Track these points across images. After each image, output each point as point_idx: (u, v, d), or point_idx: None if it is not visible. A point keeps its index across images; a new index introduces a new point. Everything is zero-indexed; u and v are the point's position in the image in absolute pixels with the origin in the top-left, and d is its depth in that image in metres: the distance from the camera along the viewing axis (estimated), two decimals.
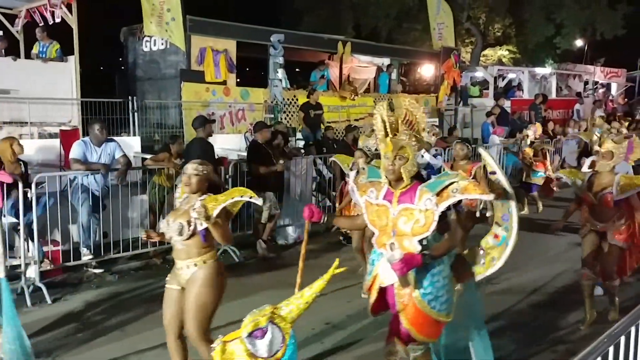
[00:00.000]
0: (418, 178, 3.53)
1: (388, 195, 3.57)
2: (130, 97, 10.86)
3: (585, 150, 13.39)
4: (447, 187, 3.37)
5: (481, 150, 4.30)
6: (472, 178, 6.09)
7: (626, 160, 6.48)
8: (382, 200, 3.58)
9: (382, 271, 3.56)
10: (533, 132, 11.39)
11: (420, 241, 3.41)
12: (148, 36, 12.08)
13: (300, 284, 3.58)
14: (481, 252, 3.84)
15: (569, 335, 5.49)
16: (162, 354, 4.62)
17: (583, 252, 5.73)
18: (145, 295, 6.46)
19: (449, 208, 3.43)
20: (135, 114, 10.73)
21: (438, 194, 3.37)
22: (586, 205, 5.68)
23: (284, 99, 12.58)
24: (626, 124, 19.56)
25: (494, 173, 3.91)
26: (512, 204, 3.76)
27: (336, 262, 3.41)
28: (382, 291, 3.63)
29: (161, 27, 10.86)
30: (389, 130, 3.42)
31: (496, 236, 3.84)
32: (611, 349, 2.59)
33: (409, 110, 3.45)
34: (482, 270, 3.80)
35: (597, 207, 5.56)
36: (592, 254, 5.65)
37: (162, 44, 11.95)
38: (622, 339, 2.69)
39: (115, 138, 8.25)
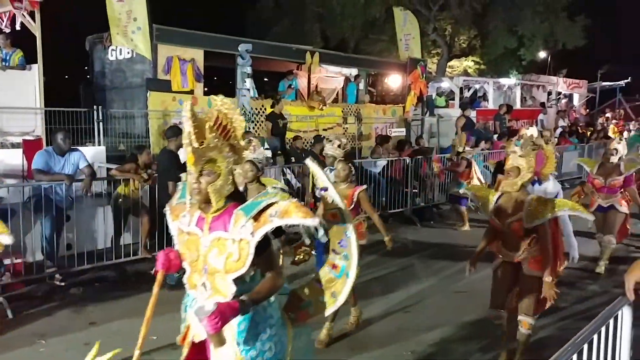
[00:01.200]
0: (237, 199, 2.78)
1: (199, 221, 2.81)
2: (95, 107, 10.72)
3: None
4: (265, 209, 2.66)
5: (308, 162, 3.59)
6: (355, 204, 5.56)
7: (538, 176, 5.84)
8: (193, 228, 2.83)
9: (195, 322, 2.79)
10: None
11: (237, 280, 2.70)
12: (114, 45, 11.94)
13: (144, 336, 2.86)
14: (318, 286, 3.19)
15: (535, 342, 5.55)
16: None
17: (492, 289, 5.00)
18: (111, 307, 6.36)
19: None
20: (101, 123, 10.57)
21: (255, 219, 2.65)
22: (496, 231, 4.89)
23: (252, 109, 12.54)
24: (588, 134, 20.07)
25: (325, 189, 3.45)
26: (350, 227, 3.18)
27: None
28: (199, 346, 2.91)
29: (127, 37, 10.75)
30: (192, 137, 2.65)
31: (334, 266, 3.21)
32: (574, 357, 2.64)
33: (222, 113, 2.75)
34: (320, 310, 3.16)
35: (508, 234, 4.77)
36: (504, 288, 4.91)
37: (128, 52, 11.83)
38: (585, 347, 2.74)
39: (79, 148, 8.15)
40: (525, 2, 24.16)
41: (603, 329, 2.94)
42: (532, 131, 9.26)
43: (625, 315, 3.07)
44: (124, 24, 10.69)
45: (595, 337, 2.87)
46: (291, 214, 2.63)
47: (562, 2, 24.87)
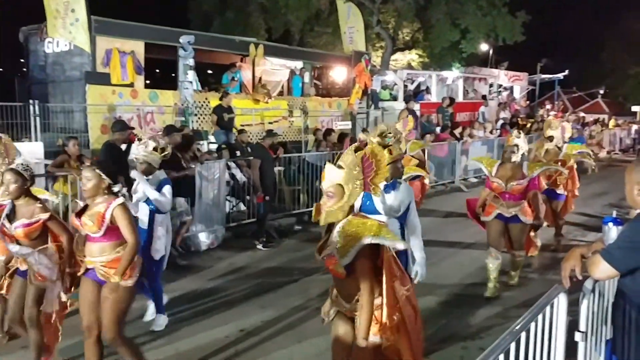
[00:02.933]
0: None
1: None
2: (31, 101, 10.36)
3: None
4: None
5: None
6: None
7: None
8: None
9: None
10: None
11: None
12: (50, 37, 11.56)
13: None
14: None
15: (479, 331, 5.66)
16: None
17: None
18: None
19: None
20: (37, 118, 10.23)
21: None
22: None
23: (195, 102, 12.36)
24: (529, 125, 20.59)
25: None
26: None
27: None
28: None
29: (65, 29, 10.43)
30: None
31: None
32: (513, 345, 2.68)
33: None
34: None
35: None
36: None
37: (66, 45, 11.48)
38: (523, 334, 2.79)
39: (15, 144, 7.85)
40: None
41: (540, 317, 3.01)
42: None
43: (561, 302, 3.15)
44: (62, 15, 10.37)
45: (532, 324, 2.93)
46: None
47: None
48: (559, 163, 8.39)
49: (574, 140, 12.84)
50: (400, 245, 3.34)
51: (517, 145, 6.74)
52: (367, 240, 3.26)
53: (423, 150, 10.59)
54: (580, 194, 14.04)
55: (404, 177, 5.73)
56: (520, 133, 7.22)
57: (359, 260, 3.30)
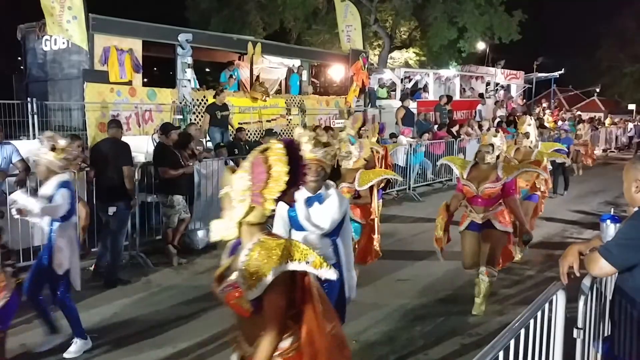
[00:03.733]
0: None
1: None
2: (29, 99, 10.35)
3: None
4: None
5: None
6: None
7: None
8: None
9: None
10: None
11: None
12: (48, 35, 11.54)
13: None
14: None
15: (476, 329, 5.69)
16: None
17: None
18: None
19: None
20: (35, 116, 10.22)
21: None
22: None
23: (193, 100, 12.36)
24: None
25: None
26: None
27: None
28: None
29: (62, 27, 10.41)
30: None
31: None
32: (512, 342, 2.71)
33: None
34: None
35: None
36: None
37: (64, 43, 11.44)
38: (522, 331, 2.81)
39: (13, 142, 7.86)
40: None
41: (539, 314, 3.04)
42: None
43: (560, 299, 3.18)
44: (58, 12, 10.33)
45: (531, 321, 2.96)
46: None
47: None
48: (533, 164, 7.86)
49: (562, 142, 12.77)
50: (330, 274, 2.59)
51: (492, 145, 6.08)
52: (284, 267, 2.52)
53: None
54: (577, 191, 14.25)
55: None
56: (498, 132, 6.91)
57: (270, 293, 2.52)
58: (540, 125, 21.04)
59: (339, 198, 3.87)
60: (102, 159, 7.38)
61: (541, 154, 8.27)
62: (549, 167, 9.19)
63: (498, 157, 6.12)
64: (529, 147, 8.13)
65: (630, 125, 29.59)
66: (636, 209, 3.01)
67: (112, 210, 7.05)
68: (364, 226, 6.21)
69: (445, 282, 7.05)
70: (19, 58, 13.73)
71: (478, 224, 6.05)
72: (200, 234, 8.76)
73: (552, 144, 9.88)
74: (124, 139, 7.83)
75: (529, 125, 8.20)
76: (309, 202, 3.82)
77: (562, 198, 13.18)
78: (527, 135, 8.07)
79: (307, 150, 3.71)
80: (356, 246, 5.88)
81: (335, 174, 5.47)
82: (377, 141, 10.00)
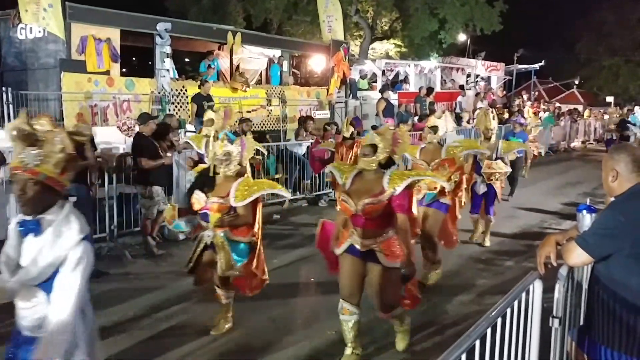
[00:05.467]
0: None
1: None
2: (4, 88, 10.17)
3: None
4: None
5: None
6: None
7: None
8: None
9: None
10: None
11: None
12: (24, 23, 11.35)
13: None
14: None
15: (455, 318, 5.72)
16: None
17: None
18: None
19: None
20: (11, 106, 10.06)
21: None
22: None
23: (172, 90, 12.24)
24: (505, 115, 20.76)
25: None
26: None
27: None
28: None
29: (38, 15, 10.23)
30: None
31: None
32: (489, 331, 2.72)
33: None
34: None
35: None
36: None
37: (40, 31, 11.25)
38: (499, 320, 2.82)
39: None
40: None
41: (516, 303, 3.05)
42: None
43: (537, 288, 3.19)
44: (35, 0, 10.16)
45: (508, 310, 2.97)
46: None
47: None
48: (445, 164, 6.65)
49: (516, 137, 11.20)
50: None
51: (374, 146, 4.50)
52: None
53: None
54: (555, 183, 14.37)
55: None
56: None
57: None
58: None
59: (58, 230, 2.68)
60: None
61: (453, 151, 6.77)
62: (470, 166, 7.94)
63: (389, 162, 4.59)
64: (439, 142, 7.05)
65: (607, 117, 29.85)
66: (612, 199, 3.04)
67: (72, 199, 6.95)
68: (251, 245, 5.15)
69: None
70: None
71: (359, 251, 4.54)
72: (180, 224, 8.68)
73: (515, 144, 9.25)
74: (103, 129, 7.76)
75: (439, 118, 7.15)
76: (23, 229, 2.76)
77: (539, 190, 13.27)
78: (434, 129, 6.78)
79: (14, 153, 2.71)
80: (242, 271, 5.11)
81: (209, 183, 5.01)
82: (352, 136, 9.35)
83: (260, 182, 5.45)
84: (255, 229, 5.13)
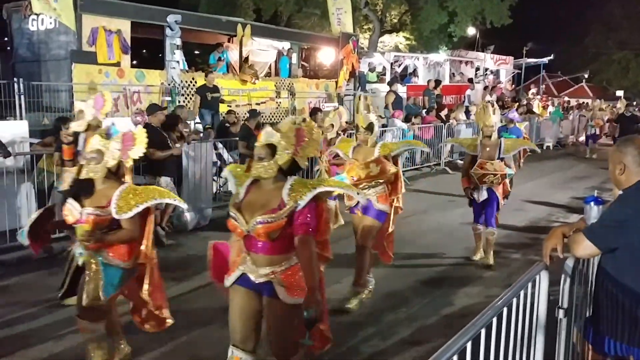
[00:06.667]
0: None
1: None
2: (16, 79, 10.26)
3: None
4: None
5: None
6: None
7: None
8: None
9: None
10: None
11: None
12: (35, 14, 11.43)
13: None
14: None
15: (461, 310, 5.74)
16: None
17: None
18: (35, 287, 6.16)
19: None
20: (22, 96, 10.15)
21: None
22: None
23: (181, 82, 12.31)
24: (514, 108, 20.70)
25: None
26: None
27: None
28: None
29: (49, 5, 10.31)
30: None
31: None
32: (494, 320, 2.75)
33: None
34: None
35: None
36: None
37: (51, 23, 11.35)
38: (505, 310, 2.86)
39: None
40: None
41: (522, 293, 3.08)
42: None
43: (543, 279, 3.22)
44: None
45: (514, 300, 3.00)
46: None
47: None
48: (374, 164, 5.65)
49: (509, 133, 9.85)
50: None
51: (269, 147, 3.42)
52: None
53: None
54: (563, 177, 14.33)
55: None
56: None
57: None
58: (529, 111, 21.14)
59: None
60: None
61: (389, 147, 5.83)
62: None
63: (293, 167, 3.49)
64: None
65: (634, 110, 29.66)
66: (620, 191, 3.06)
67: None
68: (127, 272, 4.06)
69: (429, 265, 7.10)
70: (5, 38, 13.59)
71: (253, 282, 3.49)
72: (189, 215, 8.77)
73: (521, 141, 8.12)
74: (113, 120, 7.81)
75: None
76: None
77: (547, 183, 13.27)
78: (370, 127, 5.82)
79: None
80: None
81: (87, 189, 3.93)
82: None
83: (148, 189, 4.14)
84: (143, 249, 4.10)
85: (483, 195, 6.96)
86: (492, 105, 7.27)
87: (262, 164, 3.40)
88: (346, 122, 9.51)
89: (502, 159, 6.96)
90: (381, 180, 5.65)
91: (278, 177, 3.44)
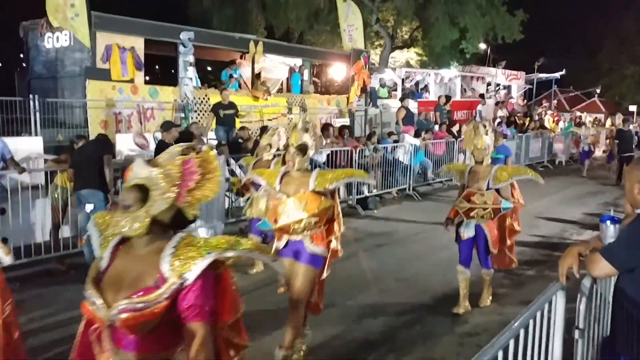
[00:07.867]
0: None
1: None
2: (31, 96, 10.38)
3: None
4: None
5: None
6: None
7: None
8: None
9: None
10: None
11: None
12: (51, 32, 11.60)
13: None
14: None
15: (475, 328, 5.70)
16: None
17: None
18: (49, 302, 6.19)
19: None
20: (37, 113, 10.25)
21: None
22: None
23: (194, 98, 12.40)
24: (526, 124, 20.67)
25: None
26: None
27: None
28: None
29: (66, 22, 10.46)
30: None
31: None
32: (511, 342, 2.73)
33: None
34: None
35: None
36: None
37: (66, 40, 11.49)
38: (522, 331, 2.84)
39: (14, 138, 7.90)
40: None
41: (538, 314, 3.06)
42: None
43: (559, 299, 3.20)
44: (62, 9, 10.37)
45: (531, 321, 2.98)
46: None
47: None
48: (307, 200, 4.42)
49: (496, 151, 9.24)
50: None
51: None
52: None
53: None
54: (576, 192, 14.26)
55: None
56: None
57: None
58: (541, 126, 21.09)
59: None
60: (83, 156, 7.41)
61: (324, 181, 4.48)
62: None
63: (177, 219, 2.44)
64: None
65: (631, 126, 29.50)
66: (638, 211, 3.02)
67: (89, 207, 7.03)
68: None
69: (445, 282, 7.04)
70: (21, 55, 13.77)
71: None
72: (201, 231, 8.79)
73: (523, 170, 6.67)
74: (125, 136, 7.86)
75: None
76: None
77: (560, 199, 13.20)
78: (302, 148, 4.58)
79: None
80: None
81: None
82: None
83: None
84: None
85: (469, 232, 5.92)
86: (485, 126, 6.03)
87: (128, 216, 2.30)
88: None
89: (497, 189, 5.82)
90: (315, 219, 4.42)
91: (155, 234, 2.35)
